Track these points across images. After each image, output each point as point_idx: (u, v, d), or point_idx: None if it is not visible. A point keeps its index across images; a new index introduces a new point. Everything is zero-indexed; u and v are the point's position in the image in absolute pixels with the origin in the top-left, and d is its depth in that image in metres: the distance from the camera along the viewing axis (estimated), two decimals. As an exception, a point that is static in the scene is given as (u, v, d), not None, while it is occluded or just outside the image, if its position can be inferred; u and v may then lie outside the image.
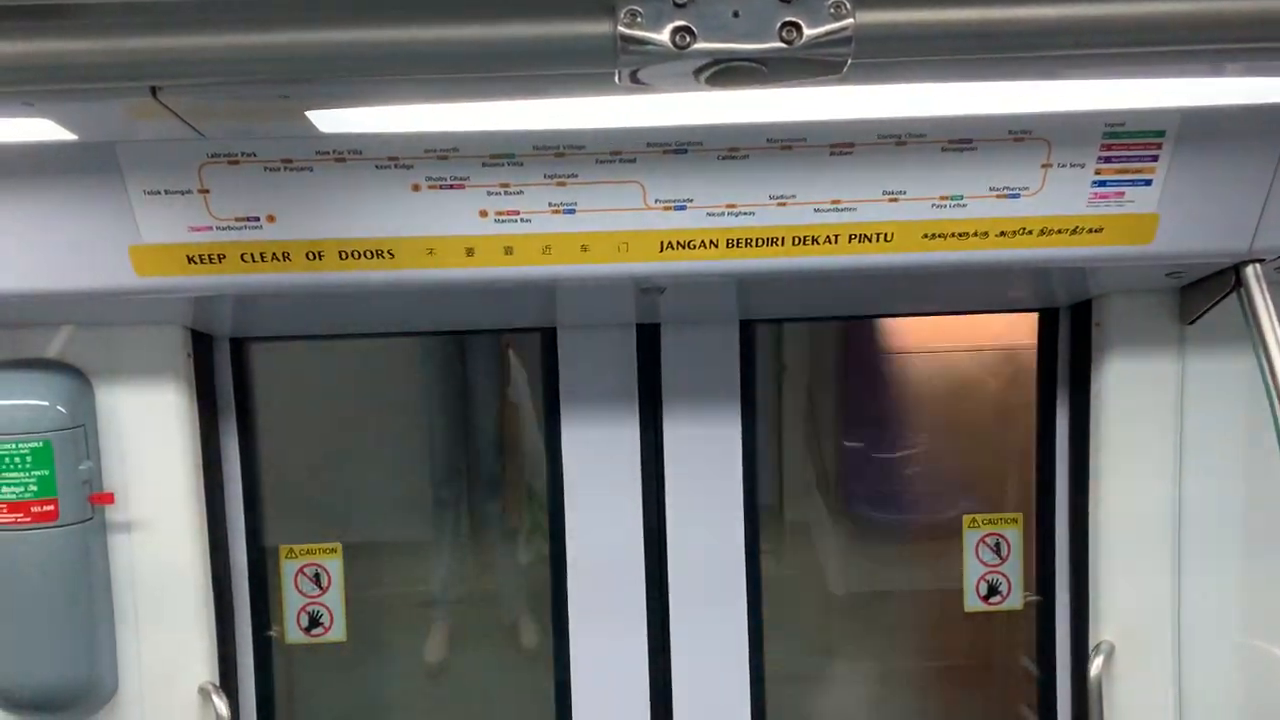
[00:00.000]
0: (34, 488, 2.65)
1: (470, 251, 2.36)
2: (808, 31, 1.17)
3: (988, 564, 3.20)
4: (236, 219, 2.31)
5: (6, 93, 1.64)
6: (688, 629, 3.09)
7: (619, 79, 1.24)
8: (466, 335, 3.64)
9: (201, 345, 2.90)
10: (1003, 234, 2.39)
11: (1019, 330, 3.27)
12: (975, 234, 2.39)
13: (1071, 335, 3.03)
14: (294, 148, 2.24)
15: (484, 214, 2.33)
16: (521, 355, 3.75)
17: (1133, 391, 2.88)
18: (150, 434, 2.82)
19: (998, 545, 3.20)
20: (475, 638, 3.83)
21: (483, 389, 3.88)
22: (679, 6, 1.17)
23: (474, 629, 3.84)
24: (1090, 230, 2.39)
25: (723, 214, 2.35)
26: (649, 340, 3.03)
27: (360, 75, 1.28)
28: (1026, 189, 2.35)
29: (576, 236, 2.36)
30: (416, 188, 2.30)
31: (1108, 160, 2.33)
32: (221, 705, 2.85)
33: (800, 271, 2.42)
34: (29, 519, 2.66)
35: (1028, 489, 3.19)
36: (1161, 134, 2.30)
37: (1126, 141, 2.31)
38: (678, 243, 2.37)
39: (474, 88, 1.77)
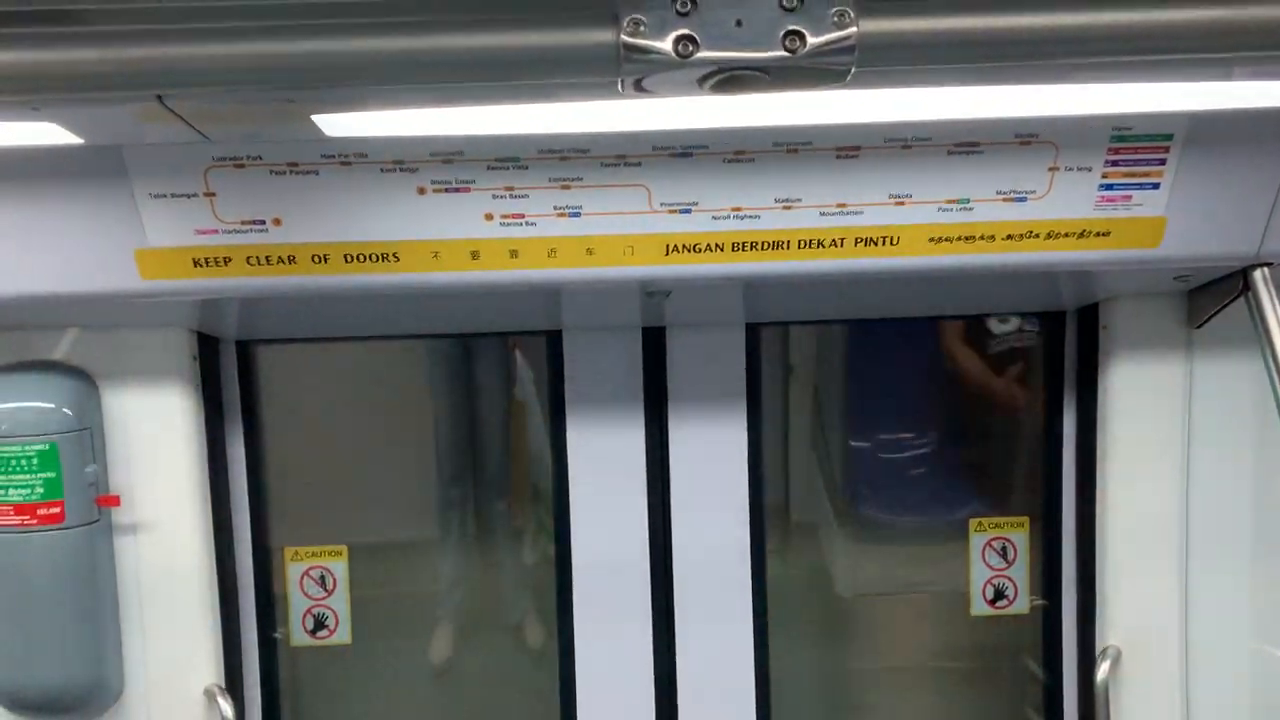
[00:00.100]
0: (40, 490, 2.66)
1: (475, 255, 2.36)
2: (811, 40, 1.17)
3: (994, 568, 3.19)
4: (242, 222, 2.31)
5: (15, 101, 1.65)
6: (693, 630, 3.09)
7: (622, 87, 1.23)
8: (472, 337, 3.64)
9: (207, 348, 2.90)
10: (1009, 237, 2.38)
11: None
12: (982, 237, 2.38)
13: (1079, 338, 3.02)
14: (299, 151, 2.25)
15: (489, 217, 2.33)
16: (528, 355, 3.74)
17: (1140, 395, 2.87)
18: (156, 436, 2.82)
19: (1004, 549, 3.19)
20: (480, 638, 3.83)
21: (488, 389, 3.87)
22: (682, 15, 1.17)
23: (480, 629, 3.84)
24: (1097, 234, 2.39)
25: (728, 217, 2.35)
26: (654, 343, 3.03)
27: (365, 84, 1.28)
28: (1033, 192, 2.35)
29: (582, 240, 2.36)
30: (422, 191, 2.30)
31: (1115, 164, 2.32)
32: (227, 707, 2.85)
33: (806, 275, 2.42)
34: (35, 521, 2.66)
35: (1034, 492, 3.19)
36: (1169, 137, 2.29)
37: (1134, 145, 2.30)
38: (683, 246, 2.37)
39: (479, 93, 1.77)
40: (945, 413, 3.59)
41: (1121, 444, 2.89)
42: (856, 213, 2.35)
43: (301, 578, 3.16)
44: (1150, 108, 2.20)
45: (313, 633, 3.18)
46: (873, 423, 3.72)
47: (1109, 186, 2.34)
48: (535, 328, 3.08)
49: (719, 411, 3.04)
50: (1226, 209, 2.38)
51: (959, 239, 2.38)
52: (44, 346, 2.78)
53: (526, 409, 3.69)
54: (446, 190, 2.30)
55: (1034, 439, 3.21)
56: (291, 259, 2.35)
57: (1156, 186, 2.34)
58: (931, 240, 2.38)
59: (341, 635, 3.19)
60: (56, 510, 2.67)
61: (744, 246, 2.37)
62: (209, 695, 2.87)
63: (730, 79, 1.19)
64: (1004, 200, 2.35)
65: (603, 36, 1.18)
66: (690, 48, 1.17)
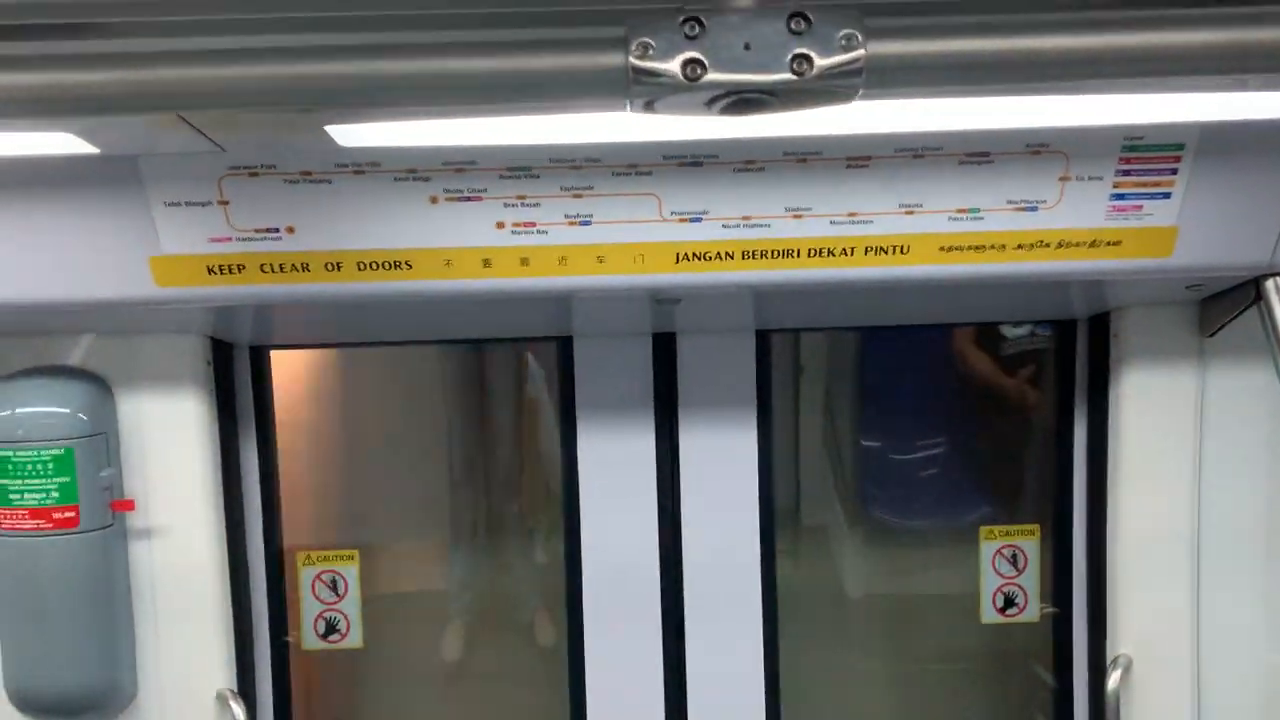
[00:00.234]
0: (56, 494, 2.68)
1: (487, 263, 2.37)
2: (819, 63, 1.17)
3: (1004, 576, 3.19)
4: (256, 230, 2.33)
5: (36, 121, 1.67)
6: (703, 635, 3.10)
7: (631, 109, 1.24)
8: (483, 343, 3.65)
9: (221, 353, 2.92)
10: (1020, 247, 2.38)
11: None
12: (992, 247, 2.38)
13: (1089, 347, 3.01)
14: (313, 160, 2.26)
15: (501, 225, 2.34)
16: (539, 357, 3.75)
17: (1151, 404, 2.86)
18: (170, 441, 2.84)
19: (1014, 557, 3.18)
20: (492, 642, 3.84)
21: (499, 390, 3.88)
22: (690, 39, 1.17)
23: (492, 633, 3.85)
24: (1108, 243, 2.38)
25: (738, 226, 2.35)
26: (665, 350, 3.04)
27: (380, 104, 1.29)
28: (1044, 202, 2.34)
29: (592, 248, 2.37)
30: (434, 200, 2.31)
31: (1126, 173, 2.32)
32: (239, 711, 2.87)
33: (816, 284, 2.42)
34: (51, 525, 2.69)
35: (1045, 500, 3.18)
36: (1181, 147, 2.29)
37: (1145, 155, 2.30)
38: (693, 254, 2.38)
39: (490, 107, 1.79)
40: (955, 419, 3.59)
41: (1133, 453, 2.88)
42: (867, 222, 2.35)
43: (313, 582, 3.18)
44: (1162, 118, 2.20)
45: (324, 637, 3.20)
46: (883, 429, 3.72)
47: (1120, 196, 2.34)
48: (546, 334, 3.09)
49: (729, 417, 3.05)
50: (1238, 218, 2.37)
51: (969, 248, 2.38)
52: (60, 352, 2.80)
53: (539, 405, 3.69)
54: (459, 199, 2.31)
55: (1044, 447, 3.20)
56: (305, 266, 2.36)
57: (1168, 196, 2.34)
58: (942, 249, 2.38)
59: (353, 639, 3.20)
60: (71, 515, 2.69)
61: (754, 255, 2.38)
62: (221, 699, 2.88)
63: (738, 101, 1.20)
64: (1015, 210, 2.35)
65: (611, 60, 1.19)
66: (699, 71, 1.18)
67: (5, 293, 2.40)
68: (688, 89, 1.19)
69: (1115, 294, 2.80)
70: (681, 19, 1.18)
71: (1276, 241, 2.39)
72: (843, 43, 1.18)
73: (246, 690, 3.00)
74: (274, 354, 3.10)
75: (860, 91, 1.21)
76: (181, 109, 1.57)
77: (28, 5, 1.55)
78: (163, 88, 1.23)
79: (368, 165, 2.27)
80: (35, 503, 2.68)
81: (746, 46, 1.18)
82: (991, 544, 3.19)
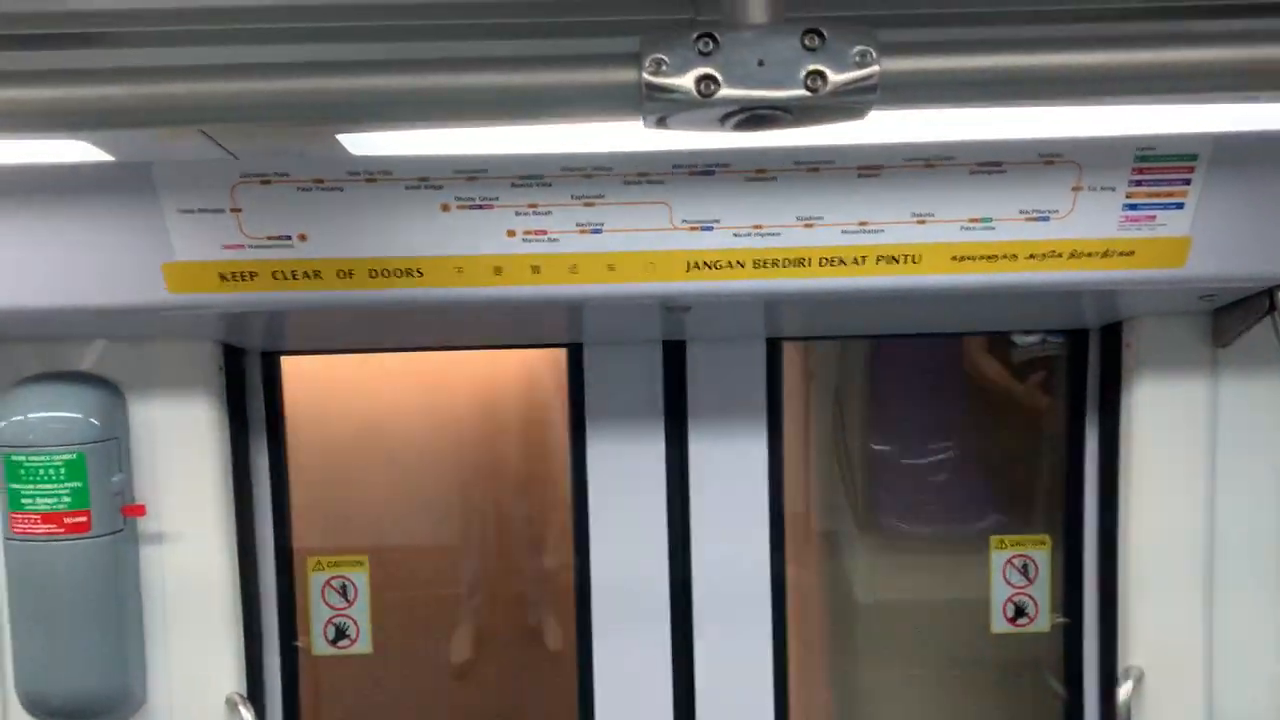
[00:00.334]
0: (67, 499, 2.69)
1: (498, 270, 2.38)
2: (832, 79, 1.17)
3: (1015, 585, 3.18)
4: (268, 238, 2.34)
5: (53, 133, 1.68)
6: (712, 645, 3.09)
7: (644, 125, 1.24)
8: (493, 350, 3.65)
9: (233, 359, 2.93)
10: (1032, 257, 2.38)
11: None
12: (1004, 256, 2.38)
13: (1101, 357, 3.00)
14: (325, 168, 2.27)
15: (512, 233, 2.35)
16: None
17: (1164, 414, 2.85)
18: (182, 446, 2.85)
19: (1025, 567, 3.17)
20: (501, 647, 3.84)
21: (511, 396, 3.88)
22: (704, 55, 1.17)
23: (500, 638, 3.85)
24: (1121, 253, 2.38)
25: (749, 235, 2.35)
26: (675, 357, 3.04)
27: (393, 119, 1.30)
28: (1056, 212, 2.34)
29: (603, 256, 2.37)
30: (446, 208, 2.32)
31: (1139, 183, 2.31)
32: (248, 716, 2.88)
33: (827, 293, 2.42)
34: (62, 530, 2.70)
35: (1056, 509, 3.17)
36: (1194, 157, 2.28)
37: (1158, 165, 2.29)
38: (704, 263, 2.38)
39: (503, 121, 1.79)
40: (967, 428, 3.59)
41: (1145, 463, 2.87)
42: (878, 231, 2.35)
43: (323, 587, 3.18)
44: (1175, 129, 2.19)
45: (334, 642, 3.20)
46: (894, 437, 3.72)
47: (1133, 206, 2.33)
48: (556, 341, 3.09)
49: (739, 426, 3.05)
50: (1252, 229, 2.36)
51: (981, 258, 2.37)
52: (72, 357, 2.81)
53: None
54: (470, 207, 2.31)
55: (1056, 456, 3.19)
56: (317, 274, 2.37)
57: (1181, 206, 2.33)
58: (954, 259, 2.38)
59: (363, 645, 3.21)
60: (83, 519, 2.70)
61: (765, 264, 2.38)
62: (230, 704, 2.89)
63: (752, 117, 1.20)
64: (1027, 219, 2.34)
65: (625, 76, 1.19)
66: (712, 87, 1.17)
67: (19, 297, 2.41)
68: (701, 105, 1.18)
69: (1127, 304, 2.79)
70: (695, 35, 1.18)
71: None
72: (857, 59, 1.18)
73: (256, 695, 3.00)
74: (285, 360, 3.11)
75: (873, 108, 1.21)
76: (197, 123, 1.58)
77: (44, 16, 1.57)
78: (178, 102, 1.24)
79: (379, 173, 2.27)
80: (47, 507, 2.69)
81: (760, 63, 1.18)
82: (1002, 553, 3.18)
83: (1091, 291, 2.57)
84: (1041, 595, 3.18)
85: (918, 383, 3.64)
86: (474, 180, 2.28)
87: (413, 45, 1.55)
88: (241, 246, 2.34)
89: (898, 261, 2.37)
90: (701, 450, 3.05)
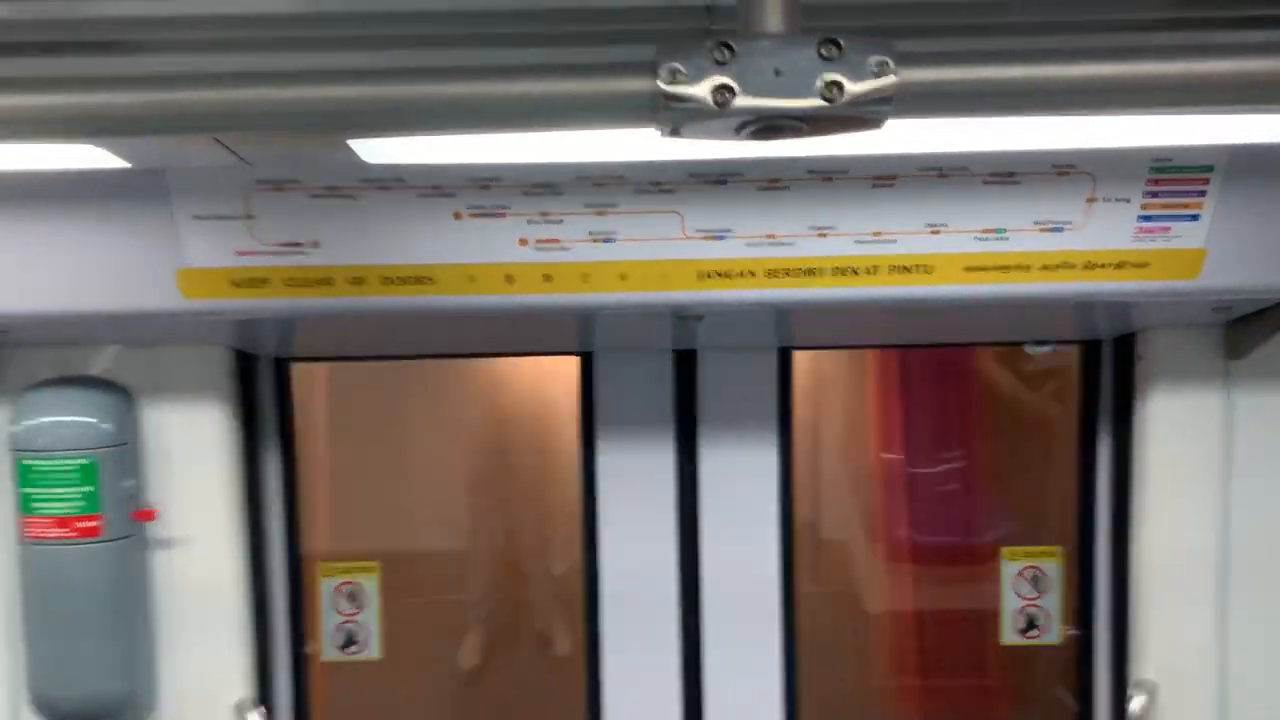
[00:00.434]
0: (79, 504, 2.70)
1: (510, 279, 2.38)
2: (850, 89, 1.17)
3: (1026, 597, 3.16)
4: (281, 244, 2.34)
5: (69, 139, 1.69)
6: (721, 654, 3.08)
7: (659, 134, 1.24)
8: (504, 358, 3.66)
9: (245, 365, 2.94)
10: (1046, 268, 2.37)
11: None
12: (1018, 267, 2.37)
13: (1114, 368, 2.99)
14: (338, 175, 2.27)
15: (524, 242, 2.35)
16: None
17: (1177, 426, 2.84)
18: (193, 451, 2.86)
19: (1035, 578, 3.16)
20: (510, 654, 3.84)
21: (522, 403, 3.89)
22: (720, 64, 1.17)
23: (509, 644, 3.85)
24: (1135, 265, 2.37)
25: (762, 244, 2.35)
26: (686, 366, 3.03)
27: (407, 127, 1.30)
28: (1070, 223, 2.33)
29: (615, 265, 2.37)
30: (458, 216, 2.32)
31: (1154, 195, 2.30)
32: None
33: (840, 302, 2.41)
34: (74, 534, 2.70)
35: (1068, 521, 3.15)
36: (1210, 169, 2.27)
37: (1174, 176, 2.28)
38: (716, 272, 2.38)
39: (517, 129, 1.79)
40: (979, 438, 3.58)
41: (1158, 475, 2.85)
42: (891, 241, 2.34)
43: (333, 593, 3.18)
44: (1191, 140, 2.18)
45: (343, 648, 3.20)
46: (907, 446, 3.71)
47: (1148, 218, 2.33)
48: (567, 349, 3.09)
49: (750, 435, 3.04)
50: (1267, 241, 2.35)
51: (995, 268, 2.37)
52: (85, 362, 2.82)
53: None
54: (482, 215, 2.32)
55: (1068, 467, 3.18)
56: (329, 281, 2.38)
57: (1196, 218, 2.32)
58: (967, 269, 2.37)
59: (372, 651, 3.20)
60: (94, 524, 2.71)
61: (777, 273, 2.37)
62: (240, 710, 2.89)
63: (768, 127, 1.19)
64: (1041, 230, 2.33)
65: (640, 85, 1.19)
66: (728, 96, 1.17)
67: (33, 302, 2.42)
68: (717, 114, 1.18)
69: (1141, 315, 2.78)
70: (711, 44, 1.18)
71: None
72: (874, 69, 1.17)
73: (265, 701, 3.00)
74: (297, 366, 3.12)
75: (891, 118, 1.21)
76: (212, 131, 1.59)
77: (62, 23, 1.57)
78: (194, 109, 1.24)
79: (392, 181, 2.28)
80: (59, 511, 2.69)
81: (777, 72, 1.17)
82: (1013, 564, 3.16)
83: (1105, 303, 2.56)
84: (1053, 607, 3.16)
85: (932, 393, 3.63)
86: (486, 188, 2.29)
87: (427, 54, 1.56)
88: (254, 253, 2.35)
89: (911, 271, 2.37)
90: (712, 460, 3.04)
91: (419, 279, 2.37)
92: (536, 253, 2.35)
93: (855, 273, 2.37)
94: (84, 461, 2.70)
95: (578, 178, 2.26)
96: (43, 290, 2.40)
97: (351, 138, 2.00)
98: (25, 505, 2.70)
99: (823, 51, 1.17)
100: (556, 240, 2.34)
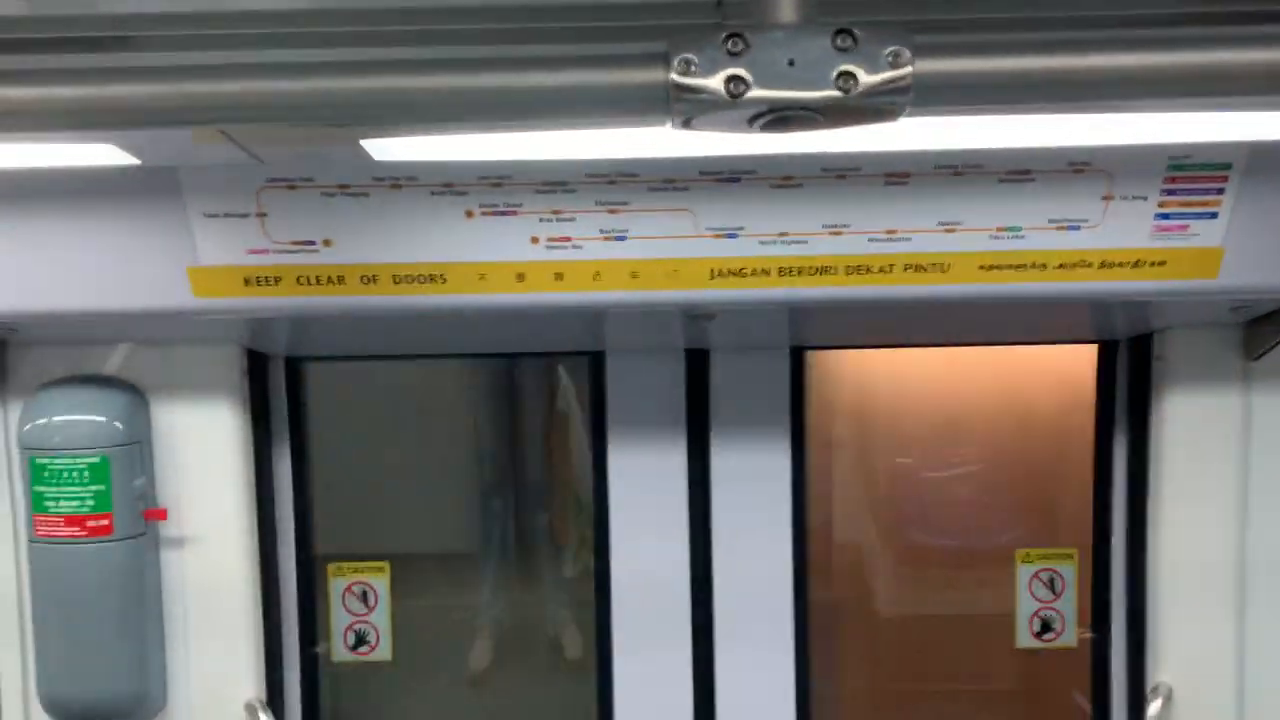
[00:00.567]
0: (91, 502, 2.70)
1: (521, 277, 2.37)
2: (864, 80, 1.15)
3: (1041, 600, 3.14)
4: (293, 243, 2.34)
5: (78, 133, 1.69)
6: (733, 654, 3.06)
7: (672, 126, 1.23)
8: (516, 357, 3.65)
9: (257, 364, 2.94)
10: (1062, 266, 2.35)
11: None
12: (1033, 266, 2.35)
13: (1131, 368, 2.97)
14: (350, 174, 2.27)
15: (536, 240, 2.34)
16: (571, 370, 3.75)
17: (1195, 427, 2.81)
18: (204, 451, 2.86)
19: (1051, 581, 3.13)
20: (520, 654, 3.83)
21: (530, 402, 3.88)
22: (733, 55, 1.15)
23: (519, 645, 3.84)
24: (1152, 264, 2.34)
25: (775, 242, 2.33)
26: (698, 366, 3.02)
27: (417, 121, 1.29)
28: (1087, 221, 2.31)
29: (627, 263, 2.36)
30: (470, 214, 2.31)
31: (1171, 193, 2.28)
32: None
33: (854, 301, 2.40)
34: (85, 533, 2.70)
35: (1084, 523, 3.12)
36: (1228, 167, 2.25)
37: (1192, 174, 2.26)
38: (729, 271, 2.36)
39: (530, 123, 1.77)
40: (992, 439, 3.55)
41: (1175, 476, 2.83)
42: (906, 239, 2.32)
43: (344, 593, 3.18)
44: (1209, 137, 2.16)
45: (354, 648, 3.20)
46: (920, 447, 3.68)
47: (1165, 216, 2.30)
48: (579, 348, 3.08)
49: (762, 435, 3.02)
50: None
51: (1010, 267, 2.35)
52: (96, 361, 2.82)
53: (569, 418, 3.68)
54: (494, 213, 2.31)
55: (1084, 468, 3.15)
56: (341, 279, 2.37)
57: (1214, 216, 2.30)
58: (982, 268, 2.35)
59: (383, 651, 3.20)
60: (105, 523, 2.71)
61: (790, 272, 2.36)
62: (250, 709, 2.89)
63: (781, 118, 1.18)
64: (1056, 229, 2.31)
65: (653, 76, 1.17)
66: (741, 87, 1.15)
67: (45, 301, 2.43)
68: (730, 106, 1.17)
69: (1158, 315, 2.76)
70: (724, 35, 1.16)
71: None
72: (889, 60, 1.15)
73: (275, 701, 3.00)
74: (308, 365, 3.11)
75: (907, 110, 1.19)
76: (222, 123, 1.58)
77: (71, 19, 1.57)
78: (203, 101, 1.24)
79: (404, 179, 2.27)
80: (70, 510, 2.69)
81: (791, 63, 1.16)
82: (1029, 567, 3.14)
83: (1121, 302, 2.53)
84: (1068, 610, 3.13)
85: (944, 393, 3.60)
86: (498, 187, 2.28)
87: (439, 48, 1.55)
88: (266, 251, 2.34)
89: (925, 270, 2.35)
90: (724, 460, 3.03)
91: (431, 277, 2.37)
92: (548, 251, 2.34)
93: (869, 271, 2.35)
94: (95, 460, 2.70)
95: (590, 175, 2.25)
96: (55, 289, 2.40)
97: (362, 136, 1.99)
98: (37, 504, 2.71)
99: (837, 42, 1.16)
100: (568, 238, 2.33)
